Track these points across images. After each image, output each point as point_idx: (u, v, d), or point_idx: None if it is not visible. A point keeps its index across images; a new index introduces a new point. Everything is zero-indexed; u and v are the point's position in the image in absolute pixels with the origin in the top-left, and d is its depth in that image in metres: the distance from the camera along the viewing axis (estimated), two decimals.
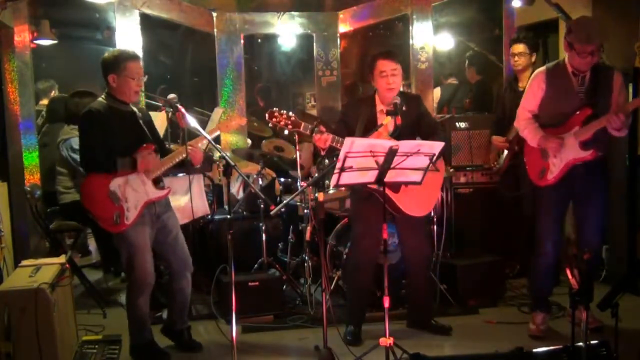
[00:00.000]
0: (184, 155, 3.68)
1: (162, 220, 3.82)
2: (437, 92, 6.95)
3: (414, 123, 3.95)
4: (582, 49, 3.72)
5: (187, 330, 4.03)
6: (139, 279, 3.69)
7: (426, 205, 4.00)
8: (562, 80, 3.89)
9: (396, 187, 3.80)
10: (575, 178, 3.89)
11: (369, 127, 3.86)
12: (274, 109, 3.67)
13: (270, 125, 3.70)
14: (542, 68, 4.04)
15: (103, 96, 3.71)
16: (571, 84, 3.86)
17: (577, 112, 3.82)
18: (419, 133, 3.99)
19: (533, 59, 4.96)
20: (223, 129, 4.02)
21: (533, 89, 4.02)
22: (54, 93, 6.61)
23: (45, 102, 6.26)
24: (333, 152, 3.75)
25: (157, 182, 3.75)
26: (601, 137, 3.80)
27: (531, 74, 4.90)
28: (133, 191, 3.61)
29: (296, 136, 5.15)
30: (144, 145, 3.65)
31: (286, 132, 3.70)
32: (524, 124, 4.04)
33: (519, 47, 4.95)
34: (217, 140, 4.01)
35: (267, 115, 3.67)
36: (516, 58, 4.98)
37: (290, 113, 3.65)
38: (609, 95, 3.82)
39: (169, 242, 3.83)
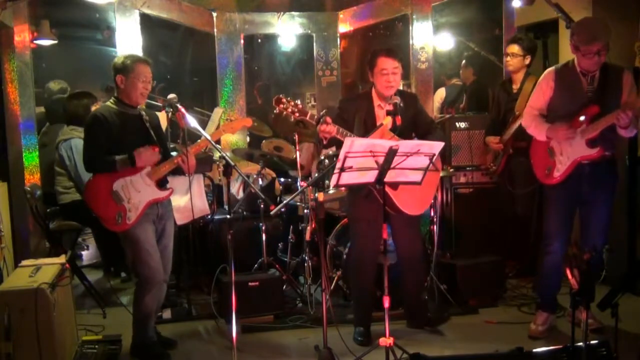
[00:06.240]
0: (176, 165, 3.71)
1: (162, 223, 3.85)
2: (442, 92, 6.94)
3: (410, 122, 3.95)
4: (587, 50, 3.69)
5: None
6: (146, 276, 3.71)
7: (423, 203, 4.00)
8: (571, 79, 3.86)
9: (395, 184, 3.80)
10: (582, 178, 3.86)
11: (367, 122, 3.86)
12: (281, 95, 3.64)
13: (276, 111, 3.67)
14: (552, 68, 4.00)
15: (112, 100, 3.74)
16: (580, 83, 3.83)
17: (584, 110, 3.81)
18: (415, 132, 3.99)
19: (527, 61, 4.92)
20: (228, 131, 4.01)
21: (542, 88, 3.98)
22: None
23: None
24: (334, 144, 3.76)
25: (161, 184, 3.77)
26: (609, 136, 3.76)
27: (524, 76, 4.92)
28: (136, 192, 3.64)
29: (296, 136, 5.15)
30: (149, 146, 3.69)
31: (292, 119, 3.68)
32: (529, 121, 4.01)
33: (513, 48, 4.92)
34: (217, 140, 4.02)
35: (274, 101, 3.63)
36: (508, 58, 4.96)
37: (298, 101, 3.65)
38: (618, 95, 3.78)
39: (159, 248, 3.84)
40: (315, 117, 3.63)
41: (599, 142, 3.75)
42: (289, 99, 3.62)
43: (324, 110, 3.76)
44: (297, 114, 3.62)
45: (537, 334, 3.99)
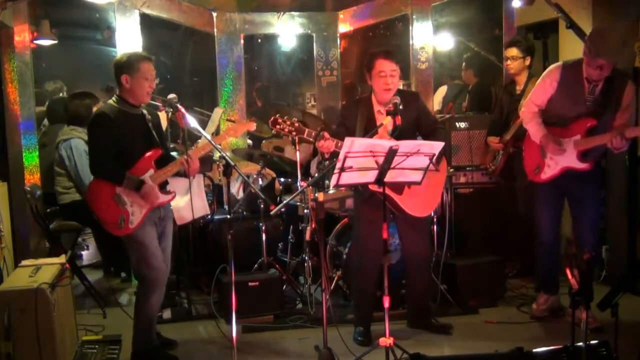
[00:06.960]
0: (180, 168, 3.70)
1: (163, 225, 3.85)
2: (443, 90, 6.96)
3: (413, 121, 3.95)
4: (591, 62, 3.74)
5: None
6: (151, 278, 3.69)
7: (429, 205, 4.01)
8: (575, 83, 3.88)
9: (399, 189, 3.80)
10: (567, 179, 3.98)
11: (368, 128, 3.86)
12: (277, 115, 3.65)
13: (274, 131, 3.68)
14: (560, 63, 4.02)
15: (114, 99, 3.70)
16: (582, 89, 3.86)
17: (581, 120, 3.85)
18: (418, 131, 3.99)
19: (527, 62, 4.91)
20: (232, 134, 4.00)
21: (545, 84, 4.00)
22: (62, 94, 6.58)
23: None
24: (336, 156, 3.77)
25: (163, 186, 3.76)
26: (599, 146, 3.86)
27: (527, 77, 4.92)
28: (138, 195, 3.61)
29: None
30: (152, 150, 3.67)
31: (290, 138, 3.69)
32: (529, 117, 4.07)
33: (512, 51, 4.92)
34: (219, 143, 4.01)
35: (270, 122, 3.64)
36: (509, 62, 4.96)
37: (294, 119, 3.64)
38: (616, 109, 3.84)
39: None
40: (313, 134, 3.63)
41: (589, 156, 3.87)
42: (285, 118, 3.62)
43: (321, 127, 3.77)
44: (294, 133, 3.62)
45: (539, 313, 4.19)
